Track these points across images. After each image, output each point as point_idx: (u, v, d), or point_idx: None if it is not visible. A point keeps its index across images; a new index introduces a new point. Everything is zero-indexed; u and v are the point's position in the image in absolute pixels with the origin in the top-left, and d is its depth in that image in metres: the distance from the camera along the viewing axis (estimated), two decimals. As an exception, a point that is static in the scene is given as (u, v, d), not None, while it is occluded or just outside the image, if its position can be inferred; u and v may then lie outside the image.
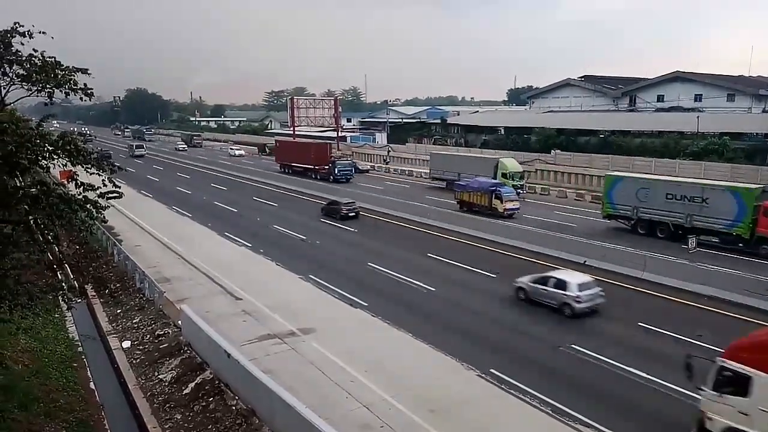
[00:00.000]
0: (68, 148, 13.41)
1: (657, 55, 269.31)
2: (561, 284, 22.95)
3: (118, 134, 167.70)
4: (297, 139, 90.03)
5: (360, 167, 73.27)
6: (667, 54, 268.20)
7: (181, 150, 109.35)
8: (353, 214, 42.60)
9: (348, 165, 66.56)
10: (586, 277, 23.74)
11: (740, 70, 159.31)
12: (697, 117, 61.13)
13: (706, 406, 13.85)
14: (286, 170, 72.51)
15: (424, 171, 72.35)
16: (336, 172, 63.62)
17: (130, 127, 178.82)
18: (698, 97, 75.15)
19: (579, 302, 22.33)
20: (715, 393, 13.54)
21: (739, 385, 13.07)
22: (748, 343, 13.85)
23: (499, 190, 43.19)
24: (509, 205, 42.58)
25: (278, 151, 77.92)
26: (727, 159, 53.23)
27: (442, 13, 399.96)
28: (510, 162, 54.89)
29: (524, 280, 24.65)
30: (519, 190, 49.71)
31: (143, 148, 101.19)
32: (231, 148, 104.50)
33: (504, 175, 51.75)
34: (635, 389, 17.13)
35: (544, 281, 23.69)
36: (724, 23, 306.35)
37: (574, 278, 23.33)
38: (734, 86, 75.08)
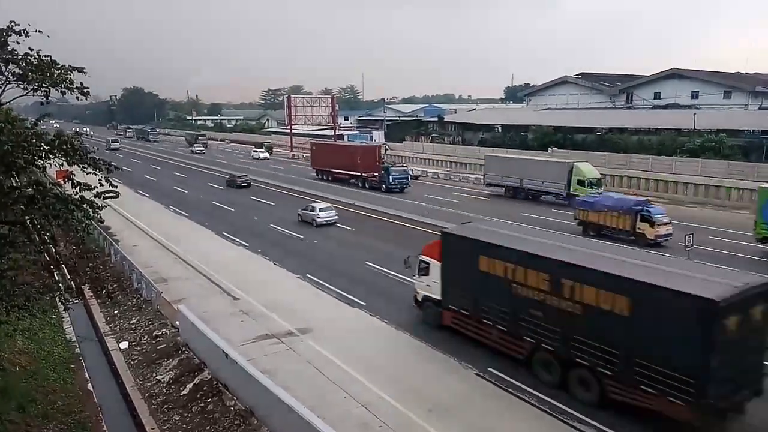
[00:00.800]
0: (64, 147, 13.35)
1: (654, 52, 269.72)
2: (312, 208, 40.27)
3: (120, 134, 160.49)
4: (338, 142, 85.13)
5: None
6: (664, 52, 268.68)
7: (198, 153, 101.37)
8: (245, 184, 59.09)
9: (403, 172, 57.12)
10: (327, 204, 41.87)
11: (737, 67, 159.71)
12: (694, 114, 61.27)
13: (415, 286, 22.81)
14: (324, 177, 64.64)
15: (422, 169, 72.60)
16: (390, 180, 55.25)
17: (132, 127, 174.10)
18: (695, 94, 75.34)
19: (319, 218, 39.50)
20: (417, 276, 22.31)
21: (426, 270, 21.50)
22: (429, 245, 22.04)
23: (648, 211, 33.28)
24: (662, 231, 32.80)
25: (315, 156, 67.81)
26: (723, 156, 53.33)
27: (440, 12, 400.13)
28: (587, 167, 47.68)
29: (299, 210, 41.64)
30: None
31: (118, 142, 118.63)
32: (255, 150, 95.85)
33: (581, 183, 45.90)
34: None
35: (305, 208, 41.11)
36: (721, 20, 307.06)
37: (319, 205, 41.03)
38: (731, 83, 75.30)
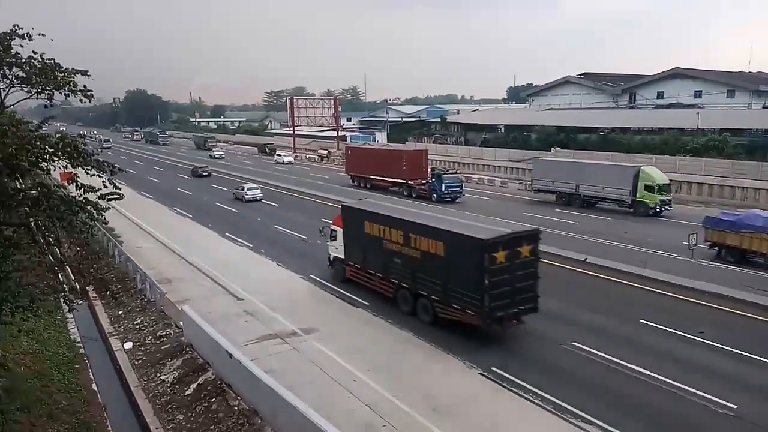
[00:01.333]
0: (68, 149, 13.42)
1: (656, 52, 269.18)
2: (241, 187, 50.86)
3: (128, 137, 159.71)
4: (378, 145, 78.63)
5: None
6: (667, 51, 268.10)
7: (218, 157, 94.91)
8: (206, 174, 68.00)
9: (456, 180, 50.79)
10: (254, 185, 51.88)
11: (740, 66, 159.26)
12: (697, 113, 61.14)
13: (328, 249, 27.77)
14: (362, 184, 58.66)
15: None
16: (443, 189, 48.88)
17: (140, 129, 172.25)
18: (698, 94, 75.21)
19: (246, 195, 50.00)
20: (329, 241, 27.47)
21: (335, 236, 26.85)
22: (336, 217, 27.06)
23: None
24: None
25: (351, 161, 62.15)
26: (727, 155, 53.22)
27: (442, 12, 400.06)
28: (656, 171, 43.42)
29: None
30: (667, 207, 42.12)
31: (110, 141, 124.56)
32: (278, 154, 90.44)
33: (649, 188, 41.68)
34: (637, 386, 17.15)
35: (237, 188, 51.86)
36: (724, 20, 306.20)
37: (248, 185, 51.84)
38: (734, 82, 75.14)
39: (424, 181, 51.94)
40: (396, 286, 23.24)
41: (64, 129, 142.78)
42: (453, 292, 20.20)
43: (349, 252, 26.13)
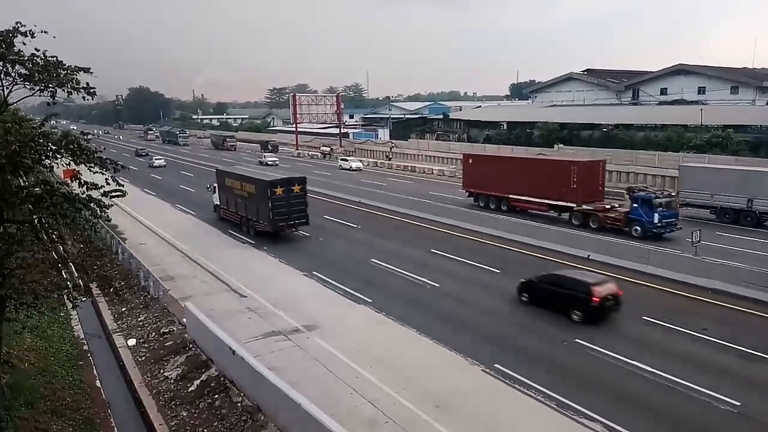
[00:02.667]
0: (71, 147, 13.44)
1: (660, 48, 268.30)
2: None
3: (141, 137, 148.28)
4: (518, 153, 60.72)
5: None
6: (670, 47, 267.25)
7: (271, 164, 76.94)
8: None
9: (673, 206, 34.73)
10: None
11: (744, 62, 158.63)
12: (701, 110, 60.97)
13: (213, 200, 41.87)
14: (492, 205, 43.29)
15: (427, 167, 72.53)
16: (655, 221, 33.06)
17: (155, 128, 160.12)
18: (702, 90, 74.95)
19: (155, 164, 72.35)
20: (212, 194, 42.01)
21: (214, 189, 41.22)
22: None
23: None
24: None
25: (473, 172, 46.15)
26: (731, 152, 53.03)
27: (445, 9, 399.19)
28: None
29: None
30: None
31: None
32: (343, 159, 78.76)
33: None
34: (639, 383, 17.14)
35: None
36: (728, 16, 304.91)
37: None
38: (738, 78, 74.83)
39: (612, 206, 36.53)
40: (240, 217, 37.55)
41: (74, 128, 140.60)
42: (259, 213, 34.94)
43: (220, 199, 40.47)
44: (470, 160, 48.08)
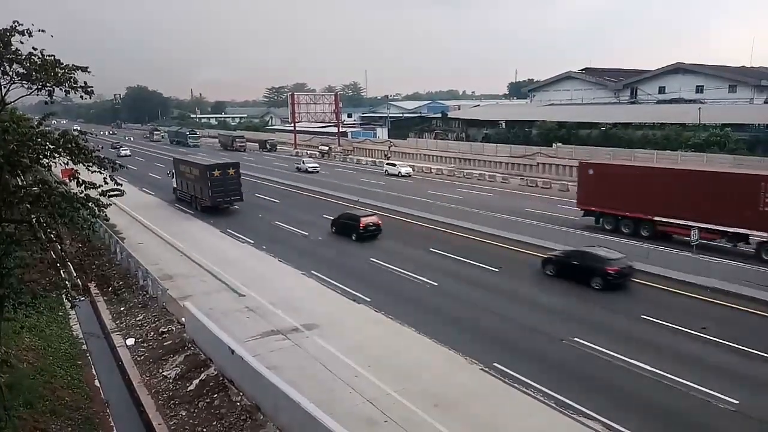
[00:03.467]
0: (69, 146, 13.41)
1: (658, 47, 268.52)
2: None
3: (147, 138, 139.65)
4: (668, 163, 48.89)
5: None
6: (668, 46, 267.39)
7: (312, 171, 68.03)
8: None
9: None
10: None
11: (742, 61, 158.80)
12: (699, 108, 60.97)
13: (172, 183, 50.33)
14: (623, 228, 35.06)
15: (426, 166, 72.56)
16: None
17: (161, 128, 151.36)
18: (700, 89, 74.97)
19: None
20: (172, 178, 50.29)
21: (173, 175, 49.85)
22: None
23: None
24: None
25: (594, 185, 37.14)
26: (729, 150, 53.08)
27: (443, 8, 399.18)
28: None
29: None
30: None
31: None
32: (390, 164, 68.43)
33: None
34: (638, 381, 17.16)
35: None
36: (725, 14, 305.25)
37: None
38: (736, 77, 74.87)
39: None
40: (190, 196, 46.02)
41: (78, 129, 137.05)
42: (202, 192, 43.51)
43: (177, 183, 48.54)
44: (591, 171, 37.69)
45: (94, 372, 20.56)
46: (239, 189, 44.08)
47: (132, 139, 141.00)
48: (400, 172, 65.45)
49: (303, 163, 71.69)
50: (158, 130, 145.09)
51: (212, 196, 42.55)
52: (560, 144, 65.73)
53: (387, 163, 70.28)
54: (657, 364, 17.86)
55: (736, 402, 15.75)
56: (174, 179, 49.40)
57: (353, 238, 34.55)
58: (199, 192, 43.95)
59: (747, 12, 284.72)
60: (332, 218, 36.96)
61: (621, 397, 16.38)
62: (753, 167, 47.28)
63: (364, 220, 34.89)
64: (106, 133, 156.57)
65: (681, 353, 18.94)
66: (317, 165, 71.14)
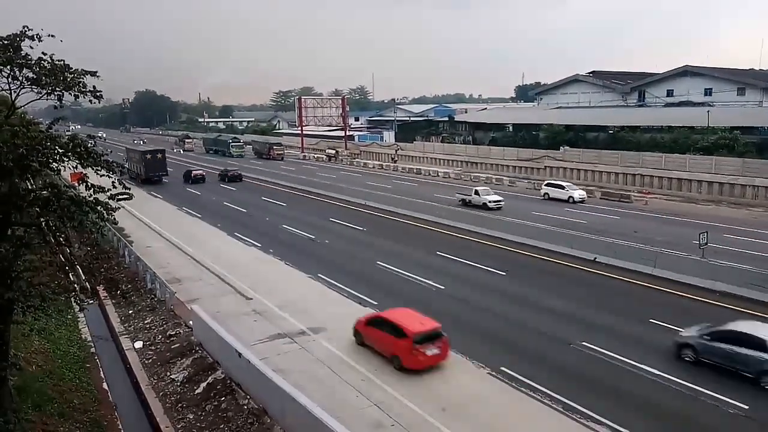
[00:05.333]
0: (78, 150, 13.52)
1: (666, 50, 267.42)
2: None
3: (178, 144, 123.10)
4: None
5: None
6: (676, 49, 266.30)
7: (494, 206, 44.88)
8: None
9: None
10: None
11: (750, 63, 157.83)
12: (708, 111, 60.61)
13: (125, 166, 37.86)
14: None
15: (432, 169, 72.56)
16: None
17: (195, 135, 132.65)
18: (708, 92, 74.52)
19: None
20: (126, 164, 54.76)
21: (127, 161, 65.82)
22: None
23: None
24: None
25: None
26: (738, 153, 52.72)
27: (450, 12, 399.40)
28: None
29: None
30: None
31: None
32: (552, 185, 51.43)
33: None
34: (646, 386, 17.06)
35: None
36: (734, 17, 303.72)
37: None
38: (744, 80, 74.37)
39: None
40: (135, 174, 61.26)
41: (103, 135, 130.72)
42: (139, 170, 63.05)
43: (128, 165, 58.00)
44: None
45: (102, 375, 20.66)
46: (165, 168, 64.75)
47: (145, 140, 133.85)
48: (572, 197, 48.42)
49: (476, 194, 46.10)
50: (190, 138, 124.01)
51: (146, 171, 62.39)
52: (568, 147, 65.54)
53: (548, 184, 52.05)
54: (665, 369, 17.74)
55: (746, 407, 15.62)
56: (126, 162, 60.81)
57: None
58: (139, 169, 63.39)
59: (755, 14, 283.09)
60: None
61: (629, 401, 16.27)
62: (761, 171, 47.28)
63: None
64: (142, 141, 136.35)
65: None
66: (500, 198, 46.35)
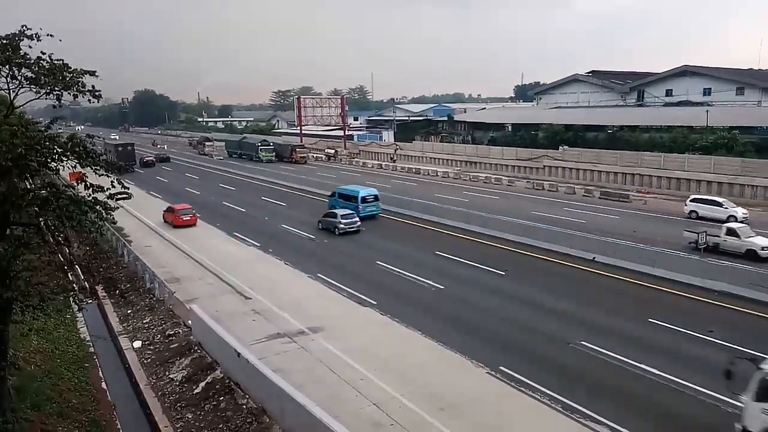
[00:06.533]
0: (77, 150, 13.49)
1: (665, 50, 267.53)
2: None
3: (197, 148, 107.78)
4: None
5: None
6: (675, 49, 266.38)
7: None
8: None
9: None
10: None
11: (749, 63, 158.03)
12: (707, 111, 60.60)
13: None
14: None
15: (432, 169, 72.54)
16: None
17: (218, 136, 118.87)
18: (707, 91, 74.52)
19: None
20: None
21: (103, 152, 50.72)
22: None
23: None
24: None
25: None
26: (737, 153, 52.71)
27: (450, 11, 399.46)
28: None
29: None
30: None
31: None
32: (695, 204, 40.86)
33: None
34: (646, 385, 17.06)
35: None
36: (733, 17, 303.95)
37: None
38: (743, 80, 74.38)
39: None
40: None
41: (102, 135, 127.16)
42: (114, 160, 38.58)
43: (105, 154, 67.99)
44: None
45: (101, 374, 20.65)
46: (134, 158, 78.81)
47: (163, 145, 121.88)
48: (733, 216, 37.31)
49: (731, 234, 30.16)
50: (210, 140, 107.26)
51: (117, 160, 68.38)
52: (567, 147, 65.55)
53: (697, 200, 41.22)
54: (664, 368, 17.75)
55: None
56: (104, 154, 77.70)
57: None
58: (113, 159, 73.37)
59: (755, 14, 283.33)
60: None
61: (628, 400, 16.28)
62: (760, 170, 47.28)
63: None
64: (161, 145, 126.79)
65: (688, 356, 18.81)
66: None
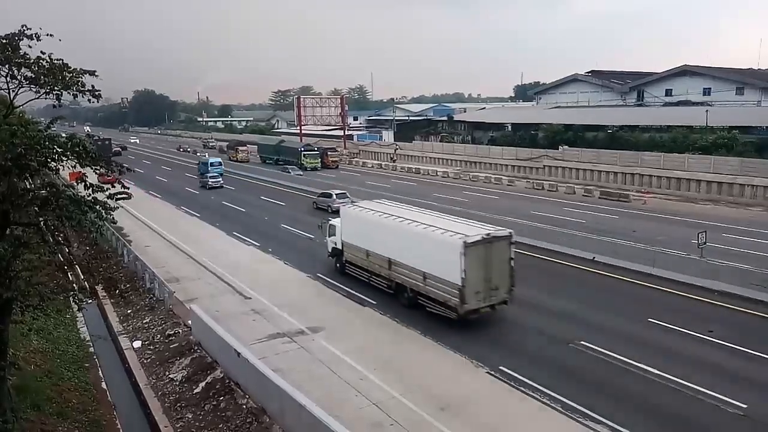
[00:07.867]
0: (77, 149, 13.48)
1: (665, 50, 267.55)
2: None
3: (227, 153, 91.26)
4: None
5: None
6: (675, 49, 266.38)
7: None
8: None
9: None
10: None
11: (749, 63, 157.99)
12: (706, 111, 60.61)
13: None
14: None
15: (431, 168, 72.52)
16: None
17: (254, 137, 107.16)
18: (707, 91, 74.60)
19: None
20: None
21: None
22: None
23: None
24: None
25: None
26: (736, 153, 52.73)
27: (450, 10, 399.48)
28: None
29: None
30: None
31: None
32: None
33: None
34: (646, 385, 17.07)
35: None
36: (733, 16, 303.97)
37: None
38: (743, 79, 74.46)
39: None
40: None
41: (137, 141, 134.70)
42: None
43: None
44: None
45: (101, 374, 20.65)
46: (111, 151, 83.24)
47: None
48: None
49: None
50: (244, 144, 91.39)
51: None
52: (566, 147, 65.56)
53: None
54: (664, 368, 17.75)
55: (744, 406, 15.62)
56: None
57: None
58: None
59: (754, 14, 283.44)
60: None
61: (628, 400, 16.28)
62: (760, 170, 47.27)
63: None
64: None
65: (688, 356, 18.81)
66: None
